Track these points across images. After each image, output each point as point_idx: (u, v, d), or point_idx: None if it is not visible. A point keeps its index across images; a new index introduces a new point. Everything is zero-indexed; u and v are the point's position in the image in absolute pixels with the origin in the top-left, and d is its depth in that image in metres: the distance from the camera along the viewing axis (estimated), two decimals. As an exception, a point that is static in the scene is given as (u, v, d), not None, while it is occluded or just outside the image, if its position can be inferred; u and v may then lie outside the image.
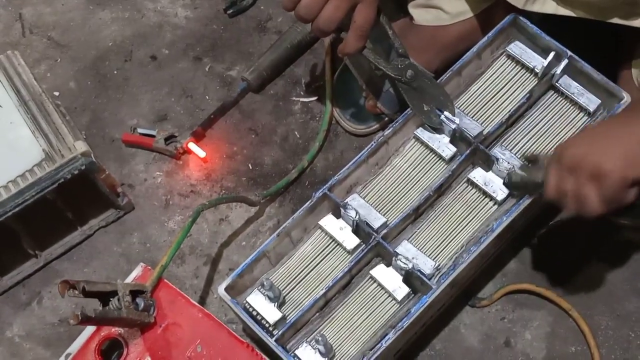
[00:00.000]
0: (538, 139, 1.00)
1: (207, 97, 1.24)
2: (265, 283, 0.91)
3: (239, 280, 0.94)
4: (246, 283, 0.96)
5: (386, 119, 1.17)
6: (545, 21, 1.03)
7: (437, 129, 0.99)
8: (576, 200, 0.83)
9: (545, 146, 0.99)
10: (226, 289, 0.92)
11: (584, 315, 1.04)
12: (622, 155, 0.80)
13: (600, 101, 0.99)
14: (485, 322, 1.07)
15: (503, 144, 1.00)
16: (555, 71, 0.99)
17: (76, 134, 1.07)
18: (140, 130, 1.20)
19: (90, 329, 0.92)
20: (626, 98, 0.97)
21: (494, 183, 0.96)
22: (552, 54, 0.98)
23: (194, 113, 1.23)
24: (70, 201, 1.11)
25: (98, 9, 1.31)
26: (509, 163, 0.95)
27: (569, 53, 0.99)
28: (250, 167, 1.19)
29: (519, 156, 0.98)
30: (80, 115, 1.23)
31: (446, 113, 0.97)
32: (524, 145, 1.00)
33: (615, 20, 0.97)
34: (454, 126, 0.97)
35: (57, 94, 1.25)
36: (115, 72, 1.26)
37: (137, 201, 1.17)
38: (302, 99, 1.23)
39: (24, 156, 1.03)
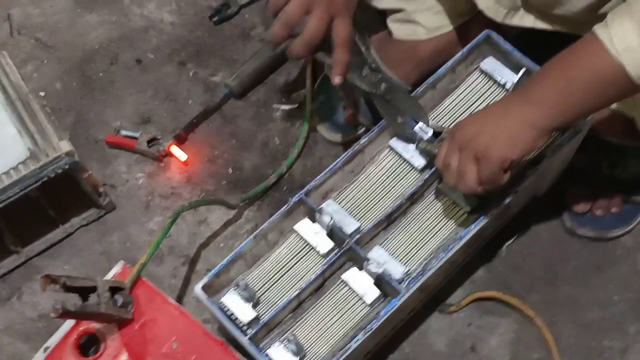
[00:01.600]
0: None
1: (190, 101, 1.27)
2: (240, 283, 0.94)
3: (216, 280, 0.97)
4: (223, 283, 0.99)
5: (363, 129, 1.21)
6: (523, 35, 1.07)
7: (410, 139, 1.02)
8: (457, 175, 0.89)
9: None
10: (203, 288, 0.95)
11: (548, 323, 1.09)
12: (504, 139, 0.85)
13: (567, 117, 1.03)
14: (453, 328, 1.11)
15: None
16: (526, 87, 1.03)
17: (60, 134, 1.10)
18: (123, 132, 1.23)
19: (69, 324, 0.95)
20: (591, 116, 1.01)
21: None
22: (522, 70, 1.02)
23: (177, 117, 1.26)
24: (53, 199, 1.13)
25: (85, 12, 1.35)
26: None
27: (539, 68, 1.03)
28: (231, 171, 1.22)
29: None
30: (65, 115, 1.26)
31: (421, 124, 1.01)
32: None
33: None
34: (426, 137, 1.01)
35: (42, 94, 1.28)
36: (101, 74, 1.30)
37: (119, 201, 1.20)
38: (282, 107, 1.26)
39: (9, 154, 1.06)
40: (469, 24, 1.15)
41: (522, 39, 1.06)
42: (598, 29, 0.82)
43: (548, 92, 0.85)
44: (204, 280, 0.96)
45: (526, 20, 1.04)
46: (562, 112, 0.85)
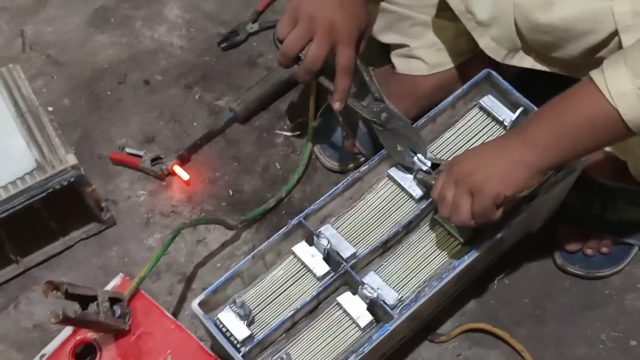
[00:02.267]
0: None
1: (194, 123, 1.30)
2: (237, 301, 0.96)
3: (212, 297, 0.99)
4: (219, 300, 1.01)
5: (363, 158, 1.24)
6: (522, 74, 1.10)
7: (409, 169, 1.05)
8: (452, 207, 0.93)
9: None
10: (199, 304, 0.97)
11: (535, 358, 1.10)
12: (499, 176, 0.89)
13: (562, 156, 1.06)
14: (442, 357, 1.13)
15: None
16: (523, 125, 1.07)
17: (67, 148, 1.12)
18: (128, 150, 1.26)
19: (66, 332, 0.97)
20: (585, 157, 1.04)
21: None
22: (520, 110, 1.06)
23: (181, 137, 1.29)
24: (55, 212, 1.16)
25: (97, 32, 1.38)
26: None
27: (536, 109, 1.06)
28: (231, 193, 1.25)
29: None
30: (72, 131, 1.29)
31: (419, 155, 1.04)
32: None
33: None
34: (425, 168, 1.04)
35: (51, 109, 1.30)
36: (109, 93, 1.33)
37: (119, 217, 1.22)
38: (285, 133, 1.29)
39: (16, 164, 1.08)
40: (470, 62, 1.19)
41: (521, 77, 1.10)
42: (594, 74, 0.86)
43: (543, 133, 0.88)
44: (201, 296, 0.98)
45: (525, 61, 1.07)
46: (555, 154, 0.89)
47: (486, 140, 1.09)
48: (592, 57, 0.99)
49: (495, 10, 1.02)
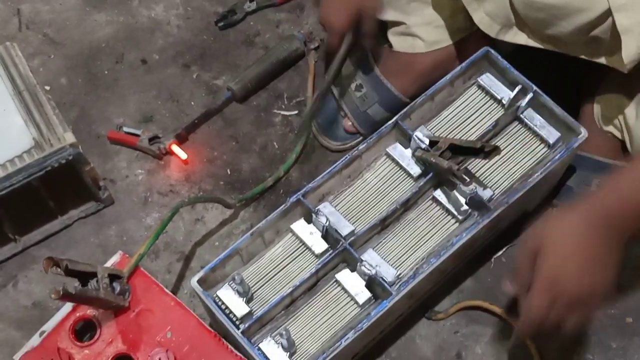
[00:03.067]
0: (500, 165, 1.07)
1: (192, 102, 1.30)
2: (236, 277, 0.97)
3: (211, 275, 1.00)
4: (217, 278, 1.01)
5: (360, 138, 1.25)
6: (518, 51, 1.11)
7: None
8: (555, 324, 0.89)
9: (508, 172, 1.07)
10: (198, 281, 0.98)
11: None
12: (604, 289, 0.87)
13: (559, 134, 1.07)
14: (440, 335, 1.14)
15: (468, 168, 1.07)
16: (521, 104, 1.07)
17: (65, 126, 1.12)
18: (125, 129, 1.26)
19: (65, 309, 0.97)
20: (583, 133, 1.05)
21: (456, 202, 1.03)
22: (518, 88, 1.06)
23: (179, 117, 1.29)
24: (54, 190, 1.16)
25: (94, 11, 1.38)
26: (471, 185, 1.02)
27: (534, 88, 1.07)
28: (229, 172, 1.25)
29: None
30: (69, 110, 1.29)
31: (417, 133, 1.05)
32: (487, 170, 1.07)
33: (581, 56, 1.05)
34: (423, 146, 1.04)
35: (48, 88, 1.30)
36: (106, 72, 1.33)
37: (117, 196, 1.23)
38: (282, 112, 1.30)
39: (14, 143, 1.09)
40: (468, 40, 1.19)
41: (517, 55, 1.10)
42: None
43: (629, 227, 0.86)
44: (200, 273, 0.98)
45: (519, 37, 1.07)
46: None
47: (484, 118, 1.09)
48: (586, 36, 0.99)
49: None
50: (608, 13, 0.93)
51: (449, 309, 1.14)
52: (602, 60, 1.02)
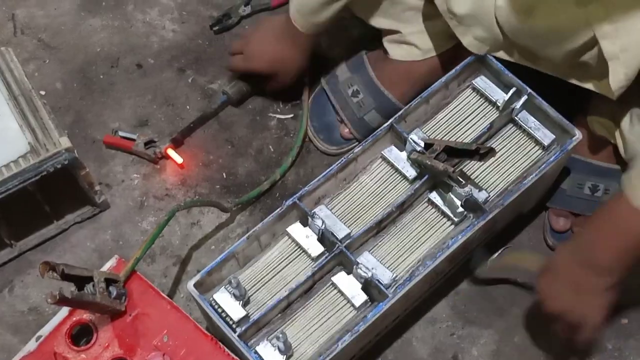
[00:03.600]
0: (495, 167, 1.08)
1: (187, 107, 1.30)
2: (232, 281, 0.97)
3: (208, 278, 1.00)
4: (214, 282, 1.01)
5: (356, 142, 1.25)
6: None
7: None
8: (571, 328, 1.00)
9: (503, 174, 1.07)
10: (195, 285, 0.98)
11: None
12: (596, 315, 0.98)
13: (554, 136, 1.08)
14: (436, 337, 1.14)
15: (464, 170, 1.07)
16: (515, 106, 1.08)
17: (61, 131, 1.12)
18: (121, 133, 1.26)
19: (62, 314, 0.97)
20: (578, 135, 1.05)
21: (452, 204, 1.04)
22: (513, 90, 1.07)
23: (174, 121, 1.29)
24: (50, 195, 1.16)
25: (89, 16, 1.38)
26: (467, 187, 1.03)
27: (529, 90, 1.07)
28: (225, 176, 1.25)
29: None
30: (65, 115, 1.29)
31: (412, 135, 1.05)
32: (482, 172, 1.08)
33: (571, 80, 1.06)
34: (419, 148, 1.04)
35: (43, 93, 1.30)
36: (102, 76, 1.33)
37: (113, 200, 1.23)
38: (278, 116, 1.30)
39: (10, 147, 1.09)
40: (460, 46, 1.19)
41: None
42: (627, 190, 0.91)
43: (611, 262, 0.94)
44: (197, 277, 0.98)
45: (509, 58, 1.08)
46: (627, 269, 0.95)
47: (479, 121, 1.10)
48: (575, 60, 1.00)
49: (476, 10, 1.02)
50: (594, 40, 0.94)
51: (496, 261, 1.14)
52: (591, 86, 1.03)
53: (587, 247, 0.96)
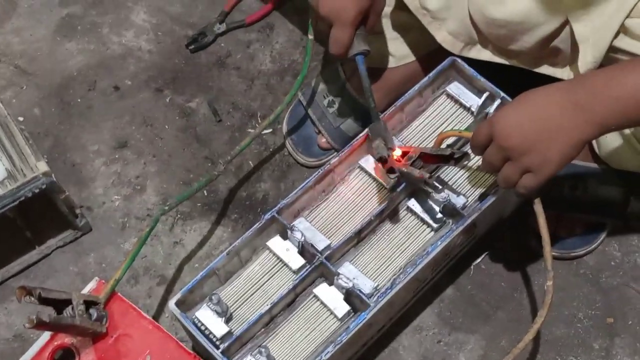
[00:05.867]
0: (473, 172, 1.08)
1: (166, 126, 1.30)
2: (213, 297, 0.96)
3: (189, 296, 0.99)
4: (196, 299, 1.01)
5: (335, 152, 1.25)
6: (484, 63, 1.12)
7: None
8: (502, 179, 0.92)
9: (480, 178, 1.07)
10: (177, 303, 0.97)
11: (515, 340, 1.11)
12: (558, 161, 0.88)
13: (529, 139, 1.08)
14: (423, 345, 1.13)
15: (441, 177, 1.07)
16: (489, 110, 1.08)
17: (38, 156, 1.12)
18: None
19: (44, 338, 0.96)
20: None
21: (430, 211, 1.04)
22: (486, 94, 1.07)
23: (154, 141, 1.29)
24: (30, 220, 1.16)
25: (65, 40, 1.38)
26: (445, 192, 1.03)
27: (502, 94, 1.07)
28: (206, 194, 1.25)
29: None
30: (43, 140, 1.29)
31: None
32: (460, 177, 1.08)
33: (544, 70, 1.06)
34: (395, 157, 1.04)
35: (21, 119, 1.30)
36: (79, 100, 1.33)
37: (95, 223, 1.22)
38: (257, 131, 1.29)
39: (-14, 174, 1.08)
40: (437, 52, 1.20)
41: (484, 63, 1.11)
42: None
43: (609, 112, 0.85)
44: (178, 295, 0.98)
45: (483, 54, 1.09)
46: (613, 127, 0.87)
47: (454, 126, 1.10)
48: (547, 48, 1.00)
49: (449, 2, 1.03)
50: (566, 23, 0.94)
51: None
52: (562, 73, 1.03)
53: (589, 89, 0.86)
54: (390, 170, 0.99)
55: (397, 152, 1.01)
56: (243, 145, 1.11)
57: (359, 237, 1.04)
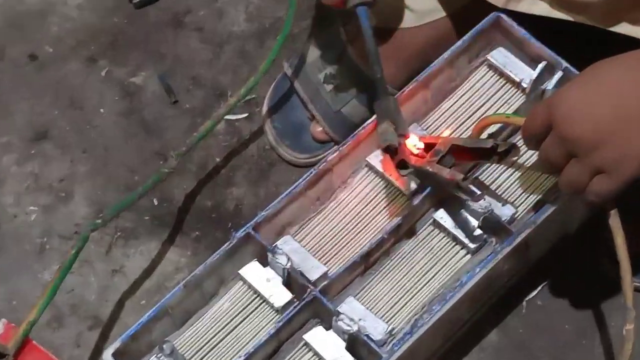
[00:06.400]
0: (523, 172, 1.08)
1: (101, 110, 1.31)
2: (165, 347, 0.96)
3: (132, 344, 0.99)
4: (142, 349, 1.01)
5: (334, 145, 1.25)
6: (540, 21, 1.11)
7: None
8: (565, 183, 0.94)
9: (534, 181, 1.07)
10: (114, 355, 0.97)
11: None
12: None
13: (602, 126, 1.08)
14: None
15: (480, 179, 1.07)
16: (547, 86, 1.08)
17: None
18: None
19: None
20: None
21: (465, 226, 1.04)
22: (542, 65, 1.07)
23: (84, 130, 1.29)
24: None
25: (-38, -9, 1.39)
26: (486, 199, 1.03)
27: (564, 64, 1.07)
28: (156, 203, 1.25)
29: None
30: None
31: (413, 135, 1.05)
32: (506, 179, 1.08)
33: (622, 29, 1.06)
34: (417, 151, 1.04)
35: None
36: (-20, 74, 1.33)
37: (4, 244, 1.23)
38: (227, 117, 1.30)
39: None
40: (471, 9, 1.20)
41: (540, 20, 1.11)
42: None
43: None
44: (116, 344, 0.97)
45: (538, 7, 1.08)
46: None
47: (499, 110, 1.10)
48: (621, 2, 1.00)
49: None
50: None
51: None
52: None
53: None
54: (402, 165, 0.99)
55: (413, 141, 1.01)
56: (203, 131, 1.11)
57: (367, 262, 1.04)
